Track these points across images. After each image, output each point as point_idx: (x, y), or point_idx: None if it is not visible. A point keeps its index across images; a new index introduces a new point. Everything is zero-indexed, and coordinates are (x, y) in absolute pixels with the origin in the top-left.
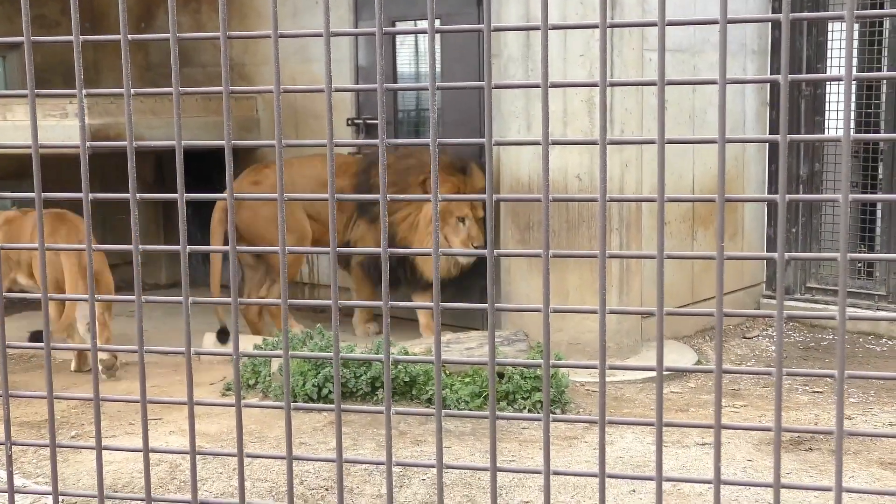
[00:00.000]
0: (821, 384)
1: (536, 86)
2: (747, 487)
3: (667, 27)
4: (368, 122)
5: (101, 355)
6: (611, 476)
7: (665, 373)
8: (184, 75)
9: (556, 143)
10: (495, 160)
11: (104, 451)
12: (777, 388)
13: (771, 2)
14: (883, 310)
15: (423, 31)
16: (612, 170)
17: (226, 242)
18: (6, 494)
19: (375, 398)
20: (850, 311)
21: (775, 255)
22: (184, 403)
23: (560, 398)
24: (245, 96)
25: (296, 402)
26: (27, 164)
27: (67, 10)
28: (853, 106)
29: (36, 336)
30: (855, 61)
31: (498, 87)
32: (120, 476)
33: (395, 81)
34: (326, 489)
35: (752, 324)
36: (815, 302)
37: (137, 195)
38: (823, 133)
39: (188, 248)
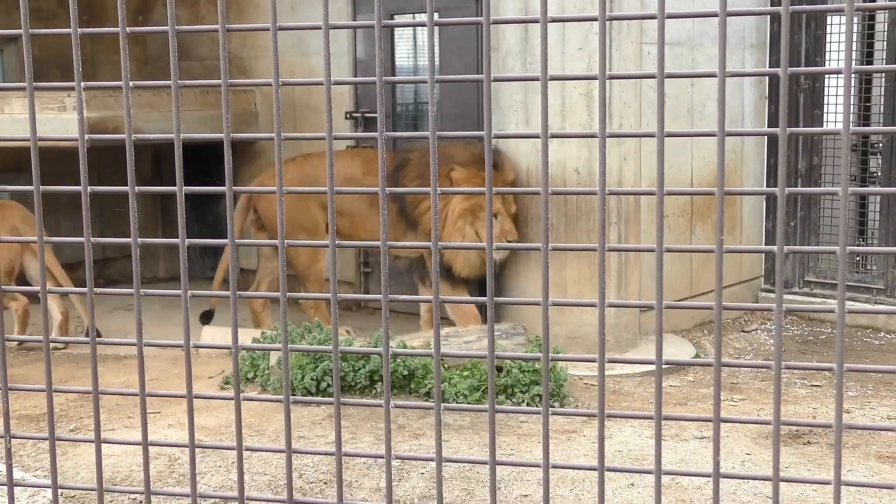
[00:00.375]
0: (819, 378)
1: (535, 79)
2: (746, 481)
3: (666, 20)
4: (367, 115)
5: (55, 313)
6: (609, 469)
7: (664, 366)
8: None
9: (554, 136)
10: (494, 153)
11: (103, 445)
12: (776, 382)
13: None
14: (881, 303)
15: (422, 25)
16: (611, 163)
17: (244, 225)
18: (5, 487)
19: (374, 392)
20: (849, 304)
21: (774, 248)
22: (182, 397)
23: (559, 392)
24: (243, 89)
25: (294, 395)
26: (25, 157)
27: (65, 3)
28: (853, 99)
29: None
30: (854, 54)
31: (497, 80)
32: (119, 469)
33: (393, 75)
34: (325, 483)
35: (750, 317)
36: (814, 296)
37: (136, 188)
38: (822, 126)
39: (187, 241)
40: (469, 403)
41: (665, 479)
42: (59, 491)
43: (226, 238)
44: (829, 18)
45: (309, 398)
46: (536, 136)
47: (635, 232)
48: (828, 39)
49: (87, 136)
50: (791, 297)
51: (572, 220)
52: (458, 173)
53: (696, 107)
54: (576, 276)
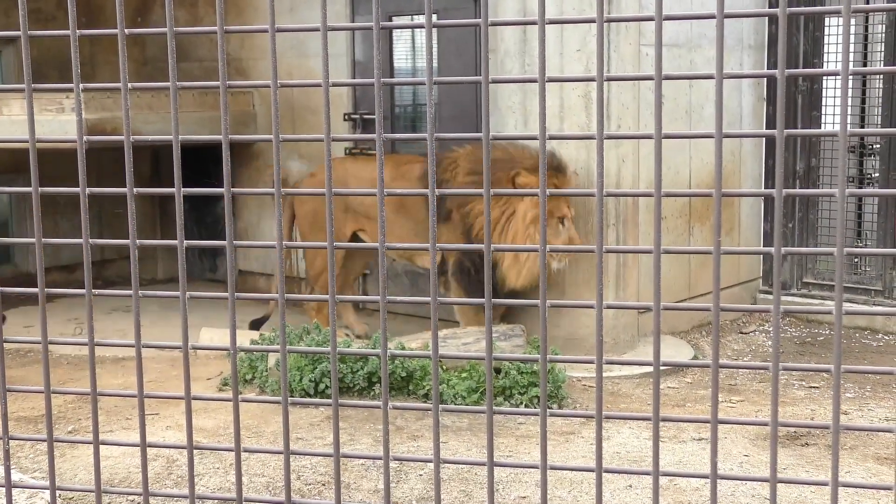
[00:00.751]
0: (817, 379)
1: (533, 80)
2: (744, 482)
3: (664, 22)
4: (365, 116)
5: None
6: (607, 471)
7: (662, 368)
8: (180, 70)
9: (553, 137)
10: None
11: (101, 446)
12: (773, 383)
13: None
14: (879, 305)
15: (420, 26)
16: (609, 165)
17: (290, 228)
18: (3, 489)
19: (372, 393)
20: (847, 306)
21: (772, 249)
22: (181, 398)
23: (557, 393)
24: (242, 91)
25: (293, 397)
26: (24, 159)
27: (64, 5)
28: (850, 101)
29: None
30: (851, 56)
31: (495, 81)
32: (117, 471)
33: (391, 76)
34: (323, 484)
35: (748, 319)
36: (812, 297)
37: (134, 190)
38: (820, 128)
39: (185, 242)
40: (467, 405)
41: (663, 480)
42: (58, 492)
43: (224, 239)
44: (826, 20)
45: (307, 400)
46: (534, 138)
47: (633, 233)
48: (826, 41)
49: (85, 138)
50: (789, 298)
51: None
52: (524, 178)
53: (694, 108)
54: (574, 278)
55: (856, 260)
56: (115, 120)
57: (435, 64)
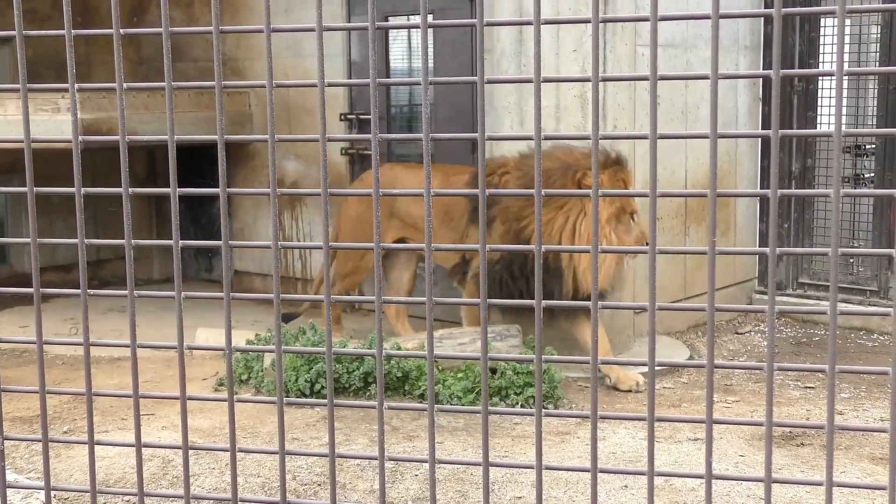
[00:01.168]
0: (813, 379)
1: (529, 80)
2: (739, 482)
3: (659, 22)
4: (361, 116)
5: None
6: (603, 471)
7: (657, 368)
8: (176, 70)
9: (548, 137)
10: (488, 155)
11: (96, 447)
12: (769, 384)
13: None
14: (874, 305)
15: (416, 26)
16: None
17: (336, 235)
18: None
19: (368, 393)
20: (842, 306)
21: (767, 250)
22: (176, 398)
23: (552, 394)
24: (237, 91)
25: (288, 397)
26: (19, 159)
27: (59, 4)
28: (844, 101)
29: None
30: (846, 56)
31: (490, 81)
32: (112, 471)
33: (387, 76)
34: (319, 484)
35: (744, 319)
36: (807, 297)
37: (130, 190)
38: (816, 128)
39: (181, 242)
40: (463, 405)
41: (658, 480)
42: (53, 493)
43: (220, 240)
44: (822, 21)
45: (302, 400)
46: (530, 138)
47: None
48: (821, 42)
49: (81, 138)
50: (784, 298)
51: None
52: (591, 180)
53: (690, 109)
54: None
55: (851, 260)
56: (111, 120)
57: (431, 64)
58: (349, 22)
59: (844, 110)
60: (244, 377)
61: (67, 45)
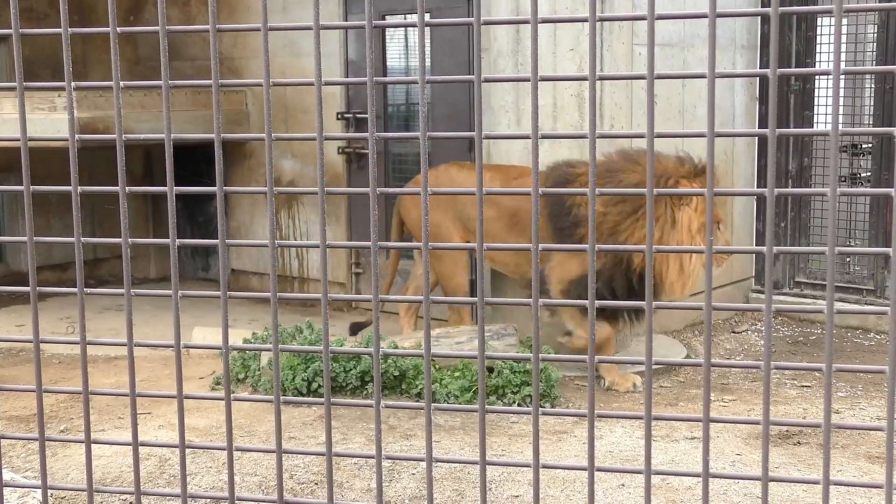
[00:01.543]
0: (809, 378)
1: (526, 79)
2: (736, 481)
3: (656, 21)
4: (358, 115)
5: None
6: (600, 469)
7: (654, 367)
8: (173, 69)
9: (545, 136)
10: (485, 154)
11: (93, 445)
12: (765, 382)
13: None
14: (871, 304)
15: (413, 25)
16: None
17: (401, 236)
18: None
19: (365, 392)
20: (838, 305)
21: (764, 249)
22: (173, 397)
23: (549, 392)
24: (234, 90)
25: (285, 396)
26: (16, 158)
27: (56, 3)
28: (841, 101)
29: (355, 328)
30: (843, 56)
31: (487, 80)
32: (109, 470)
33: (384, 75)
34: (316, 483)
35: (741, 318)
36: (804, 296)
37: (126, 188)
38: (813, 127)
39: (177, 241)
40: (460, 404)
41: (655, 479)
42: (49, 492)
43: (217, 238)
44: (819, 20)
45: (299, 398)
46: (527, 137)
47: None
48: (818, 41)
49: (77, 137)
50: (781, 297)
51: None
52: (685, 187)
53: (687, 108)
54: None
55: (848, 259)
56: (108, 119)
57: (428, 63)
58: (346, 21)
59: (841, 109)
60: (241, 376)
61: (64, 43)
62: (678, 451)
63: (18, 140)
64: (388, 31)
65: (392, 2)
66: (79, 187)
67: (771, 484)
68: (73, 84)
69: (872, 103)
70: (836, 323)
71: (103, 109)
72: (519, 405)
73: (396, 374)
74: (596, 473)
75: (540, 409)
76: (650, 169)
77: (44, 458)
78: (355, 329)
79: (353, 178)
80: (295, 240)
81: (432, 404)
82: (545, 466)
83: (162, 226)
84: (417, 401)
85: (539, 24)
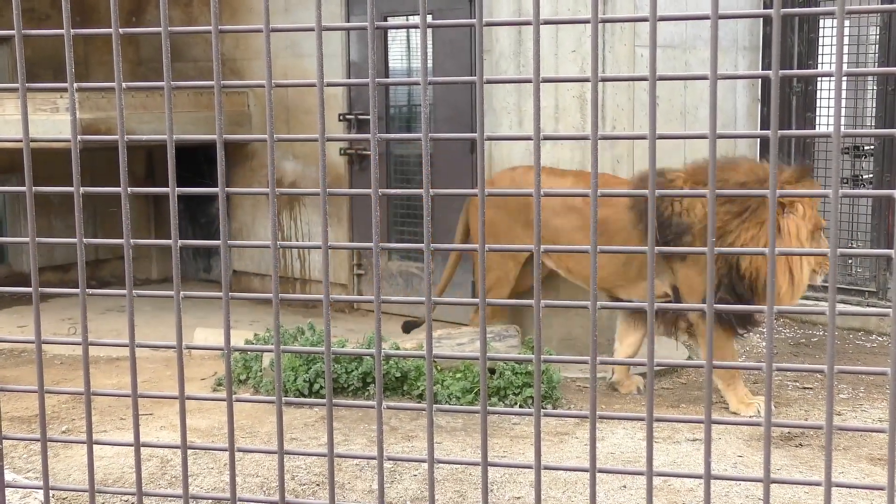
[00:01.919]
0: (811, 380)
1: (528, 81)
2: (738, 483)
3: (658, 23)
4: (360, 117)
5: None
6: (601, 471)
7: (656, 368)
8: (175, 70)
9: (547, 138)
10: (487, 156)
11: (95, 446)
12: (767, 384)
13: None
14: (873, 306)
15: (415, 26)
16: (604, 165)
17: (464, 240)
18: None
19: (367, 393)
20: (840, 307)
21: (766, 250)
22: (175, 398)
23: (551, 394)
24: (236, 91)
25: (287, 397)
26: (18, 159)
27: (58, 4)
28: (843, 102)
29: (408, 326)
30: (845, 57)
31: (489, 81)
32: (111, 471)
33: (386, 76)
34: (318, 484)
35: None
36: (806, 298)
37: (129, 189)
38: (815, 129)
39: (179, 242)
40: (462, 405)
41: (657, 480)
42: (51, 493)
43: (219, 239)
44: (821, 21)
45: (301, 399)
46: (529, 139)
47: None
48: (820, 42)
49: (79, 138)
50: None
51: None
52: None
53: (689, 109)
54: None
55: (849, 261)
56: (110, 120)
57: (430, 64)
58: (348, 22)
59: (843, 111)
60: (243, 377)
61: (66, 44)
62: (680, 453)
63: (21, 141)
64: (391, 33)
65: (394, 3)
66: (81, 188)
67: (773, 486)
68: (75, 85)
69: (874, 105)
70: (838, 325)
71: (105, 110)
72: (521, 406)
73: (398, 375)
74: (598, 475)
75: (542, 410)
76: (772, 174)
77: (45, 459)
78: (408, 327)
79: (355, 180)
80: (297, 241)
81: (434, 405)
82: (547, 468)
83: (164, 227)
84: (419, 402)
85: (541, 26)
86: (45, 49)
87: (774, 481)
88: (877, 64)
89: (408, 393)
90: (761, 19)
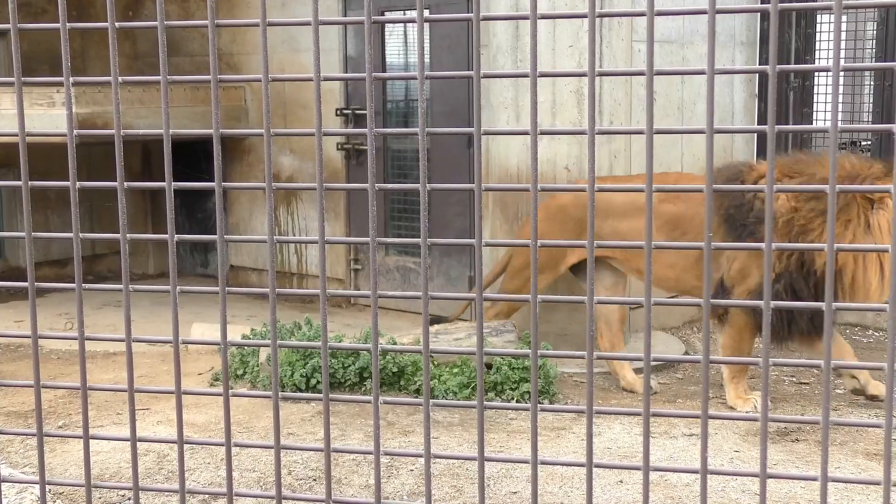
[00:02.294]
0: (808, 375)
1: (525, 75)
2: (734, 477)
3: (656, 17)
4: (357, 112)
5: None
6: (598, 466)
7: (652, 363)
8: (172, 64)
9: (544, 133)
10: (484, 150)
11: (91, 441)
12: (764, 379)
13: None
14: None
15: (412, 21)
16: (601, 160)
17: (503, 270)
18: None
19: (364, 388)
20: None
21: (763, 245)
22: (171, 393)
23: (548, 389)
24: (233, 86)
25: (284, 392)
26: (14, 153)
27: None
28: (840, 97)
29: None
30: (843, 52)
31: (487, 76)
32: (107, 466)
33: (383, 71)
34: (314, 479)
35: None
36: None
37: (125, 184)
38: (812, 124)
39: (176, 237)
40: (458, 400)
41: (654, 475)
42: (47, 487)
43: (215, 234)
44: (818, 17)
45: (298, 394)
46: (526, 133)
47: None
48: (817, 38)
49: (75, 132)
50: None
51: None
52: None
53: (686, 104)
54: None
55: None
56: (106, 114)
57: (427, 59)
58: (345, 16)
59: (840, 106)
60: (240, 372)
61: (62, 38)
62: (676, 448)
63: (17, 135)
64: (388, 27)
65: None
66: (77, 183)
67: (769, 480)
68: (71, 79)
69: (871, 100)
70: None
71: (102, 105)
72: (517, 401)
73: (395, 370)
74: (594, 470)
75: (538, 405)
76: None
77: (42, 454)
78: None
79: (352, 175)
80: (294, 236)
81: (431, 400)
82: (543, 463)
83: (160, 222)
84: (416, 397)
85: (538, 20)
86: (42, 43)
87: (771, 476)
88: (874, 59)
89: (405, 388)
90: (759, 14)
